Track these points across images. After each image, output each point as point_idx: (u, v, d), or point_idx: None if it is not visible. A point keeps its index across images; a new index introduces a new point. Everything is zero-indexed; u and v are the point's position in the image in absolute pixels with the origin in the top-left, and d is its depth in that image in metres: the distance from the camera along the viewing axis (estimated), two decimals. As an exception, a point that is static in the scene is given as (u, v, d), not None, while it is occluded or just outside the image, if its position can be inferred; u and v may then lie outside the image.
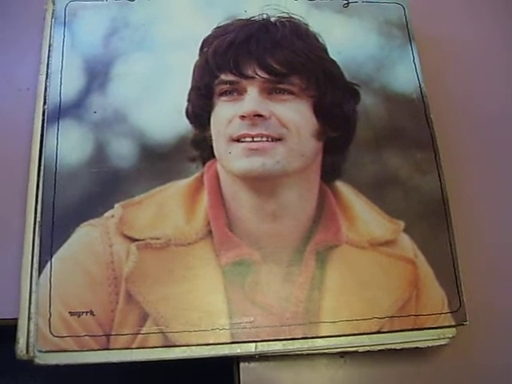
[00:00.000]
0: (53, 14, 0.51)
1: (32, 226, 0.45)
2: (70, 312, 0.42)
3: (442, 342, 0.44)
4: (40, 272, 0.43)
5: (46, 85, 0.49)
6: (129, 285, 0.43)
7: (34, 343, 0.42)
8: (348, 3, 0.53)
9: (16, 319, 0.43)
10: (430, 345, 0.44)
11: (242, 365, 0.46)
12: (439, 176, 0.48)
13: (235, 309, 0.43)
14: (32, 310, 0.43)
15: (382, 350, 0.44)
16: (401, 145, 0.48)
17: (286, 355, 0.44)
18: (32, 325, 0.42)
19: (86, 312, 0.42)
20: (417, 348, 0.45)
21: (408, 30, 0.52)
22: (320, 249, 0.45)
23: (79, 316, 0.42)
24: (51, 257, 0.43)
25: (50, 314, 0.42)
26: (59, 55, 0.49)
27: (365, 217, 0.46)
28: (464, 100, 0.56)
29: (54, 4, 0.51)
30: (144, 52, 0.50)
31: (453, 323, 0.44)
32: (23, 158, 0.48)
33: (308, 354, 0.44)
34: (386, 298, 0.44)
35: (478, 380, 0.47)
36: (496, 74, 0.58)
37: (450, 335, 0.44)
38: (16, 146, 0.50)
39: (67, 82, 0.49)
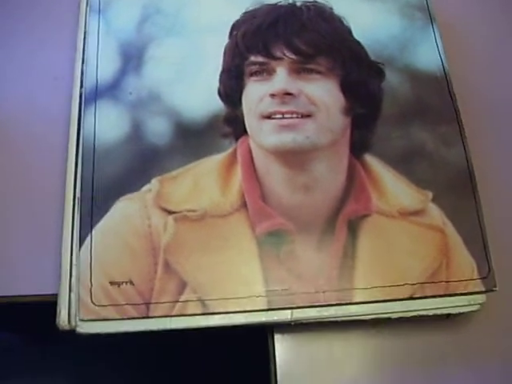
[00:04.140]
0: (87, 2, 0.53)
1: (71, 203, 0.46)
2: (110, 282, 0.43)
3: (473, 308, 0.45)
4: (81, 245, 0.44)
5: (82, 69, 0.51)
6: (167, 255, 0.44)
7: (76, 313, 0.43)
8: (370, -13, 0.55)
9: (54, 295, 0.44)
10: (461, 311, 0.45)
11: (276, 336, 0.47)
12: (464, 148, 0.49)
13: (271, 277, 0.44)
14: (73, 282, 0.44)
15: (413, 320, 0.45)
16: (426, 120, 0.50)
17: (320, 324, 0.45)
18: (73, 296, 0.43)
19: (126, 282, 0.43)
20: (447, 316, 0.46)
21: (429, 12, 0.54)
22: (351, 218, 0.46)
23: (119, 286, 0.43)
24: (91, 230, 0.45)
25: (92, 284, 0.43)
26: (95, 41, 0.51)
27: (394, 188, 0.47)
28: (485, 77, 0.57)
29: (88, -7, 0.54)
30: (176, 37, 0.52)
31: (483, 289, 0.45)
32: (61, 140, 0.50)
33: (342, 322, 0.45)
34: (417, 266, 0.45)
35: (508, 346, 0.47)
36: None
37: (481, 301, 0.45)
38: (54, 129, 0.52)
39: (103, 66, 0.51)
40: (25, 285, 0.47)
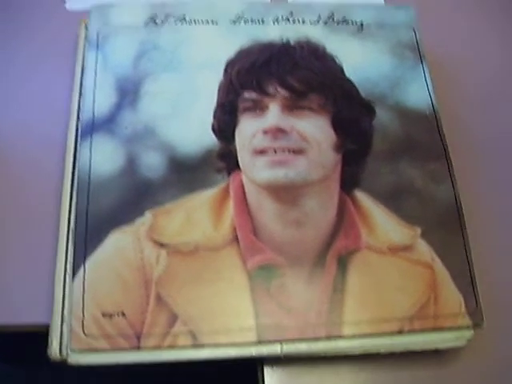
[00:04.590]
0: (85, 38, 0.55)
1: (65, 234, 0.47)
2: (102, 313, 0.43)
3: (461, 344, 0.45)
4: (74, 276, 0.45)
5: (79, 103, 0.52)
6: (159, 288, 0.44)
7: (67, 344, 0.43)
8: (362, 27, 0.57)
9: (46, 325, 0.44)
10: (449, 346, 0.45)
11: (266, 369, 0.47)
12: (453, 185, 0.50)
13: (261, 310, 0.44)
14: (65, 313, 0.44)
15: (402, 355, 0.45)
16: (416, 156, 0.51)
17: (310, 359, 0.45)
18: (65, 327, 0.44)
19: (118, 313, 0.44)
20: (435, 352, 0.46)
21: (419, 51, 0.56)
22: (341, 254, 0.47)
23: (111, 317, 0.43)
24: (85, 261, 0.45)
25: (84, 316, 0.43)
26: (92, 75, 0.52)
27: (383, 223, 0.48)
28: (473, 115, 0.59)
29: (86, 29, 0.55)
30: (172, 72, 0.53)
31: (470, 324, 0.45)
32: (57, 172, 0.51)
33: (331, 358, 0.45)
34: (406, 301, 0.45)
35: (496, 381, 0.48)
36: (503, 89, 0.61)
37: (468, 337, 0.46)
38: (50, 158, 0.52)
39: (100, 100, 0.51)
40: (17, 314, 0.48)
